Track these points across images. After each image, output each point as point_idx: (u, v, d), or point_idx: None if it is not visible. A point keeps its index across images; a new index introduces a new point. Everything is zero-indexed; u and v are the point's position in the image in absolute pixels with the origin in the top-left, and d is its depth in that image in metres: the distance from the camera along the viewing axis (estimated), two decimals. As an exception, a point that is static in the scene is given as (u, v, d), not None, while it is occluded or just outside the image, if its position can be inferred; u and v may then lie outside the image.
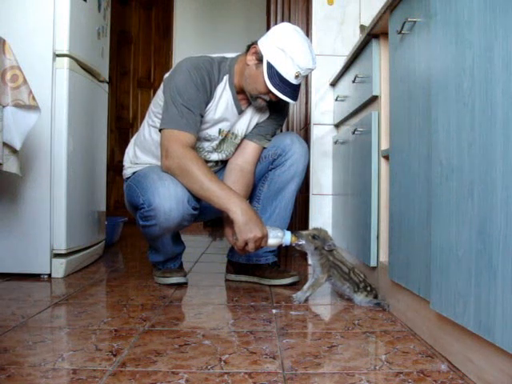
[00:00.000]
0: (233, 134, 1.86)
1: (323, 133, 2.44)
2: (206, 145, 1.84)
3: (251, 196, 1.97)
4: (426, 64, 1.18)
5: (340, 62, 2.20)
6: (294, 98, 1.71)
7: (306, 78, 2.56)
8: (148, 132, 1.85)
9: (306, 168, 1.94)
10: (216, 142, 1.84)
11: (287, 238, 1.62)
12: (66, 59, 1.97)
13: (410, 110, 1.31)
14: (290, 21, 2.71)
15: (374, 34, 1.67)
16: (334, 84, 2.41)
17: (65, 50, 1.97)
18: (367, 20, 2.32)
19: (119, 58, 4.50)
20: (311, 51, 1.68)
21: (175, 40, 4.78)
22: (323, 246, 1.60)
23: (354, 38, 2.38)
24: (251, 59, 1.71)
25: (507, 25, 0.81)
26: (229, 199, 1.60)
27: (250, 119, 1.87)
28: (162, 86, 1.80)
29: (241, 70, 1.76)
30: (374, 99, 1.71)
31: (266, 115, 1.90)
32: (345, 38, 2.43)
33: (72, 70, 2.02)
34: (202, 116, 1.74)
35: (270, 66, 1.65)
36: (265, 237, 1.60)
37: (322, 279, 1.60)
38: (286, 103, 1.92)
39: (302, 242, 1.61)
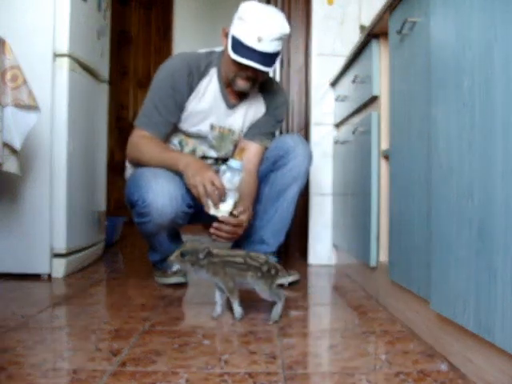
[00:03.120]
0: (230, 130, 1.86)
1: (323, 133, 2.44)
2: (204, 143, 1.85)
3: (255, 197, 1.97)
4: (426, 64, 1.18)
5: (340, 62, 2.20)
6: (264, 64, 1.64)
7: (306, 77, 2.56)
8: None
9: (309, 171, 1.93)
10: (213, 143, 1.85)
11: (232, 162, 1.61)
12: (65, 59, 1.97)
13: (410, 110, 1.31)
14: (290, 21, 2.71)
15: (374, 34, 1.67)
16: (334, 84, 2.41)
17: (65, 50, 1.97)
18: (367, 20, 2.32)
19: (119, 58, 4.50)
20: (274, 15, 1.64)
21: (175, 40, 4.78)
22: (198, 256, 1.37)
23: (354, 37, 2.38)
24: (224, 42, 1.72)
25: (507, 24, 0.81)
26: (176, 159, 1.69)
27: (244, 114, 1.86)
28: None
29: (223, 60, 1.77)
30: (374, 99, 1.71)
31: (262, 110, 1.90)
32: (345, 38, 2.43)
33: (72, 70, 2.02)
34: (175, 113, 1.76)
35: (232, 38, 1.64)
36: (213, 178, 1.57)
37: (228, 283, 1.37)
38: (276, 92, 1.90)
39: (176, 267, 1.43)
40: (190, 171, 1.62)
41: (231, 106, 1.83)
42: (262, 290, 1.36)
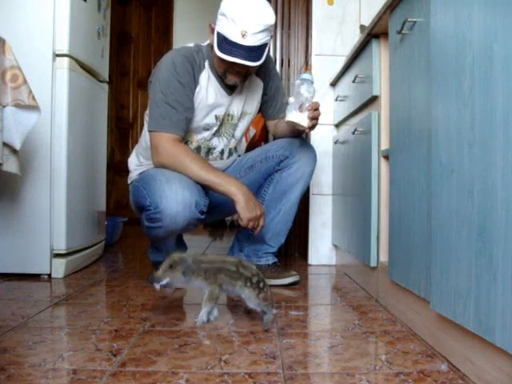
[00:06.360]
0: (229, 115, 1.86)
1: (323, 133, 2.44)
2: (207, 134, 1.83)
3: (256, 196, 1.96)
4: (426, 64, 1.18)
5: (340, 62, 2.20)
6: (252, 58, 1.62)
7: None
8: (149, 139, 1.85)
9: (313, 173, 1.93)
10: (215, 129, 1.84)
11: (305, 75, 1.68)
12: (66, 59, 1.97)
13: (410, 110, 1.31)
14: (289, 21, 2.71)
15: (373, 34, 1.67)
16: (334, 84, 2.41)
17: (65, 50, 1.97)
18: (367, 20, 2.32)
19: (119, 58, 4.50)
20: (257, 6, 1.61)
21: (175, 40, 4.78)
22: (187, 264, 1.35)
23: (354, 37, 2.38)
24: (211, 38, 1.72)
25: (507, 25, 0.81)
26: (228, 184, 1.67)
27: (244, 98, 1.86)
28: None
29: None
30: (374, 99, 1.71)
31: (260, 86, 1.91)
32: (345, 38, 2.42)
33: (72, 70, 2.02)
34: (191, 108, 1.73)
35: (217, 35, 1.63)
36: (263, 214, 1.70)
37: (214, 290, 1.35)
38: (264, 64, 1.81)
39: (166, 280, 1.33)
40: (247, 202, 1.65)
41: (230, 93, 1.82)
42: (248, 297, 1.34)
